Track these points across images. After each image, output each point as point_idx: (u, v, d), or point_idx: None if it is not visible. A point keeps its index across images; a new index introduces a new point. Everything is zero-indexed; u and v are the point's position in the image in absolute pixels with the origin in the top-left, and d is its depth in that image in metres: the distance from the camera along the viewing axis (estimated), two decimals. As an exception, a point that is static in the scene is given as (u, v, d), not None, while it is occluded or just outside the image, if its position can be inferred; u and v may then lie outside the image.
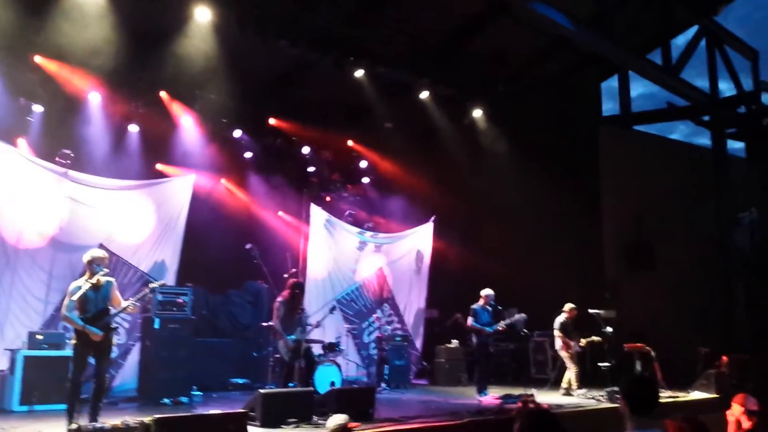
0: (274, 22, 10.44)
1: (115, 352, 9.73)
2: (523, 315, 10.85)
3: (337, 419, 5.12)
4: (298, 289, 9.30)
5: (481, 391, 10.23)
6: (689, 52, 13.19)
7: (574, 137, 13.70)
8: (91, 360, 6.83)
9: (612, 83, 15.07)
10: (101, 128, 10.85)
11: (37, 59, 9.93)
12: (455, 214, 14.33)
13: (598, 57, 13.34)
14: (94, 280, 6.75)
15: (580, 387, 10.33)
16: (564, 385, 10.49)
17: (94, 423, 6.47)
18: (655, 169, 13.19)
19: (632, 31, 12.18)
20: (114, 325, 6.90)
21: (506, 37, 12.58)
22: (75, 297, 6.63)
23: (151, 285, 7.50)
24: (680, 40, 13.93)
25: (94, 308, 6.73)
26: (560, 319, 10.73)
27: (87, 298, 6.69)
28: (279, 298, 9.19)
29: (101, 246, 9.88)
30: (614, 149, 13.01)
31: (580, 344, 10.62)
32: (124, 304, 6.94)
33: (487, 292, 10.72)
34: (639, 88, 16.31)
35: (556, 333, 10.69)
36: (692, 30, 13.50)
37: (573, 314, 10.74)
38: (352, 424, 5.16)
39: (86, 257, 6.93)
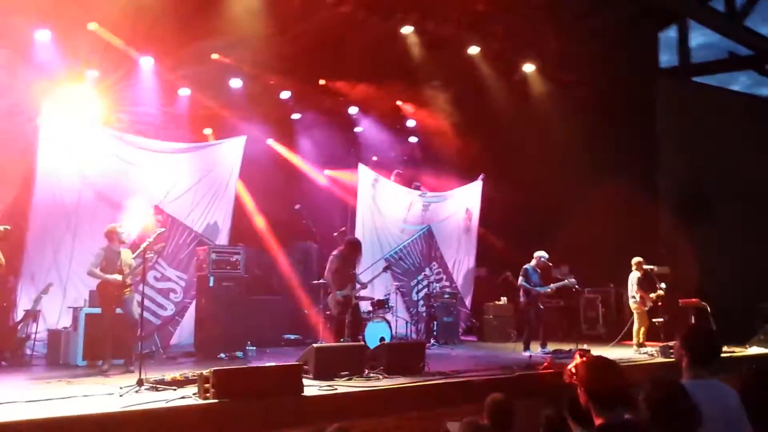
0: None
1: (171, 310, 10.22)
2: (572, 279, 10.75)
3: None
4: (355, 246, 9.38)
5: (526, 349, 10.23)
6: (755, -3, 12.55)
7: (630, 90, 13.22)
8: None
9: (671, 34, 14.48)
10: (154, 92, 11.07)
11: (91, 26, 10.10)
12: (505, 172, 14.09)
13: (655, 6, 12.79)
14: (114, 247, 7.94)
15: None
16: (637, 339, 10.33)
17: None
18: (715, 122, 12.72)
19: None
20: (129, 282, 7.83)
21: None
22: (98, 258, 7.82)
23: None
24: (746, -16, 13.20)
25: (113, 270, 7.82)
26: (637, 274, 10.39)
27: (108, 262, 7.81)
28: (335, 252, 9.27)
29: (156, 208, 10.25)
30: (671, 102, 12.59)
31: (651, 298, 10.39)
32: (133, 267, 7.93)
33: (540, 253, 10.78)
34: (699, 38, 15.63)
35: (637, 290, 10.32)
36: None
37: (641, 267, 10.45)
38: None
39: (105, 230, 8.05)
